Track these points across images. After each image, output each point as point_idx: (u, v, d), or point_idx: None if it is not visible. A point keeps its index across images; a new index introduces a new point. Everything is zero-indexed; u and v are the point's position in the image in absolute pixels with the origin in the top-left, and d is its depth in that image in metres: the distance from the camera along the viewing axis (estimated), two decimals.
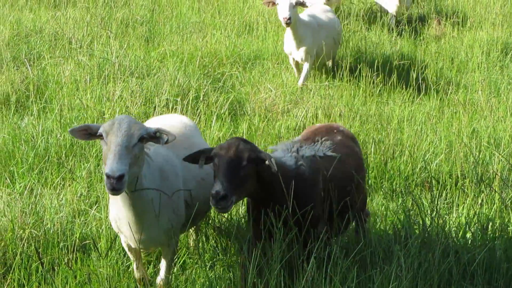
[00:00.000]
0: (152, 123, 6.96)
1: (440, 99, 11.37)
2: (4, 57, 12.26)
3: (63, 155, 8.69)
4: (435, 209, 7.28)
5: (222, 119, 9.99)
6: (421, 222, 6.91)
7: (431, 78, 12.41)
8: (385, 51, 13.59)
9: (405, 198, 7.97)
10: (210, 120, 9.70)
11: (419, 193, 8.36)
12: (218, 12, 15.90)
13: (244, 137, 9.13)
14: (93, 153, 8.59)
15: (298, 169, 6.18)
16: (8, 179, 8.27)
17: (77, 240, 6.98)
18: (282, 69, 12.38)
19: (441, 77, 12.56)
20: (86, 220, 7.44)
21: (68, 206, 7.56)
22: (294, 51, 12.05)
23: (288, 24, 11.40)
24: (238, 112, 10.68)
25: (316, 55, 12.10)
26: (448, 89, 11.81)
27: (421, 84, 11.75)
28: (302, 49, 11.90)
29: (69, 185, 8.09)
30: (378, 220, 7.47)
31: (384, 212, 7.66)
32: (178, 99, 10.14)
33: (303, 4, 11.60)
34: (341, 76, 11.70)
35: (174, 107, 9.95)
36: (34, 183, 8.14)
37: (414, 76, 12.10)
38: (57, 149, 8.80)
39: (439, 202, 7.91)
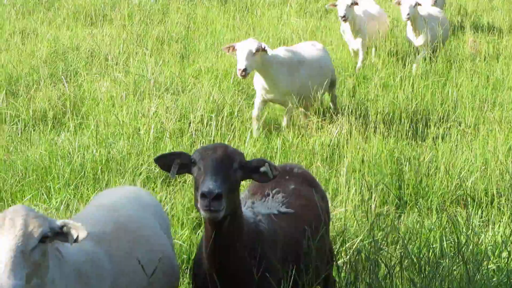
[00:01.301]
0: (101, 199, 5.69)
1: (476, 116, 11.30)
2: (41, 74, 12.42)
3: (99, 170, 8.74)
4: (470, 227, 7.23)
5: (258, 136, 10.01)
6: (456, 240, 6.86)
7: (466, 95, 12.34)
8: (420, 68, 13.54)
9: (440, 216, 7.93)
10: (244, 136, 9.71)
11: (454, 210, 8.30)
12: (253, 29, 15.99)
13: (278, 153, 9.17)
14: (128, 169, 8.64)
15: (257, 225, 5.20)
16: (44, 194, 8.34)
17: None
18: None
19: (477, 95, 12.48)
20: None
21: None
22: (265, 92, 10.75)
23: (243, 76, 10.06)
24: (273, 128, 10.71)
25: (299, 96, 10.74)
26: (484, 107, 11.74)
27: (456, 101, 11.70)
28: (277, 92, 10.63)
29: None
30: (413, 238, 7.42)
31: (419, 229, 7.61)
32: (213, 115, 10.18)
33: (264, 50, 10.23)
34: (376, 92, 11.67)
35: (209, 123, 9.99)
36: (70, 198, 8.19)
37: (450, 93, 12.06)
38: (93, 164, 8.85)
39: (474, 220, 7.86)
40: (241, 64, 9.97)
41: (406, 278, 6.14)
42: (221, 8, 18.39)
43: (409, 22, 14.67)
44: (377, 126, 10.33)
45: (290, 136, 9.92)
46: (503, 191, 8.61)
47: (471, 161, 9.36)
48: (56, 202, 8.13)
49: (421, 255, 6.64)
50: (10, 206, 7.92)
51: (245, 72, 9.97)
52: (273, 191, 5.70)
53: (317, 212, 5.84)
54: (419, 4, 14.44)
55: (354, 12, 14.26)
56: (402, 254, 6.52)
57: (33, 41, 14.97)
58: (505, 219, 7.94)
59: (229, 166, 4.74)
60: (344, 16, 13.94)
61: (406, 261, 6.42)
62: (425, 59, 14.10)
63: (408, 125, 10.56)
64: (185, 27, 16.33)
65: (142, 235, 5.20)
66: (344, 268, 6.38)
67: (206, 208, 4.55)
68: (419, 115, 11.29)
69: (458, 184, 8.76)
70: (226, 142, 9.51)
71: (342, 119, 10.16)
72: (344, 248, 6.90)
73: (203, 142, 9.56)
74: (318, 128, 10.31)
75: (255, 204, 5.47)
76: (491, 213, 8.21)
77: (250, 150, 9.28)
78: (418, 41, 14.78)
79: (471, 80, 13.28)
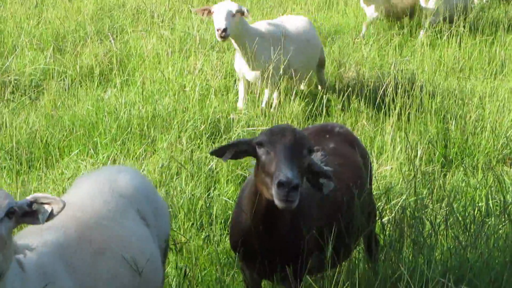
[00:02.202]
0: (71, 194, 4.90)
1: None
2: (88, 31, 12.49)
3: (145, 126, 8.82)
4: None
5: (302, 94, 9.98)
6: (502, 199, 6.83)
7: None
8: (468, 24, 13.35)
9: (486, 174, 7.88)
10: (290, 94, 9.70)
11: (500, 169, 8.24)
12: None
13: (324, 111, 9.14)
14: (174, 125, 8.70)
15: None
16: (92, 149, 8.44)
17: None
18: (362, 44, 12.29)
19: None
20: (167, 191, 7.53)
21: (150, 177, 7.67)
22: (246, 71, 9.77)
23: (223, 37, 9.14)
24: (318, 86, 10.69)
25: (284, 74, 9.82)
26: None
27: (504, 60, 11.56)
28: (258, 68, 9.64)
29: (151, 156, 8.22)
30: (458, 196, 7.39)
31: (465, 188, 7.59)
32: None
33: (243, 14, 9.31)
34: (422, 51, 11.56)
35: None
36: (116, 154, 8.28)
37: (497, 52, 11.91)
38: (139, 121, 8.92)
39: None
40: (221, 23, 9.14)
41: (451, 236, 6.14)
42: None
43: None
44: (424, 84, 10.25)
45: (335, 96, 9.89)
46: None
47: None
48: (103, 157, 8.23)
49: (467, 214, 6.63)
50: (57, 160, 8.11)
51: (225, 33, 9.12)
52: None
53: (357, 171, 5.80)
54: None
55: None
56: (447, 212, 6.52)
57: None
58: None
59: (300, 153, 4.64)
60: None
61: (451, 219, 6.42)
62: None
63: (454, 83, 10.47)
64: None
65: (111, 240, 4.56)
66: (389, 225, 6.39)
67: (284, 198, 4.41)
68: (466, 74, 11.19)
69: (504, 143, 8.70)
70: (271, 100, 9.51)
71: (389, 76, 10.07)
72: (389, 206, 6.91)
73: (248, 99, 9.59)
74: (364, 87, 10.22)
75: None
76: None
77: (295, 109, 9.27)
78: (430, 4, 13.59)
79: None
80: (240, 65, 9.85)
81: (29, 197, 3.89)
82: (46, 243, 4.14)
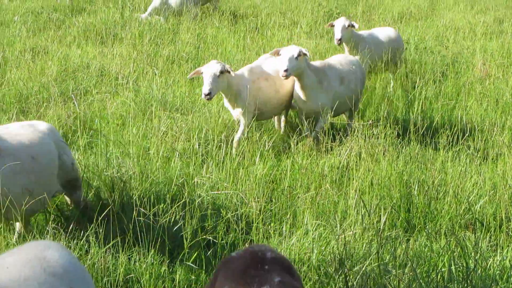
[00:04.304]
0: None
1: (485, 140, 11.29)
2: (51, 92, 12.46)
3: (109, 190, 8.75)
4: (478, 252, 7.22)
5: (266, 156, 10.01)
6: (464, 265, 6.85)
7: (476, 119, 12.35)
8: (429, 91, 13.53)
9: (448, 240, 7.92)
10: (254, 158, 9.72)
11: (463, 234, 8.28)
12: (263, 50, 15.99)
13: (288, 175, 9.14)
14: (137, 187, 8.64)
15: None
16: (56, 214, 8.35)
17: (121, 276, 7.02)
18: None
19: (486, 118, 12.49)
20: (130, 255, 7.45)
21: (113, 241, 7.59)
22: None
23: None
24: (282, 150, 10.72)
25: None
26: (493, 131, 11.73)
27: (466, 125, 11.70)
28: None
29: (113, 219, 8.14)
30: (421, 261, 7.41)
31: (428, 253, 7.60)
32: (222, 136, 10.19)
33: None
34: (384, 114, 11.65)
35: (218, 144, 10.01)
36: (80, 218, 8.20)
37: (459, 116, 12.06)
38: (101, 184, 8.87)
39: (482, 245, 7.85)
40: None
41: None
42: (231, 28, 18.45)
43: (344, 46, 13.75)
44: (386, 148, 10.33)
45: (300, 158, 9.93)
46: (511, 215, 8.61)
47: (479, 185, 9.36)
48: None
49: (430, 279, 6.64)
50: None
51: None
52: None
53: None
54: (353, 26, 13.38)
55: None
56: (410, 277, 6.52)
57: (43, 59, 15.03)
58: None
59: None
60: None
61: (414, 285, 6.43)
62: (434, 81, 14.10)
63: (417, 147, 10.56)
64: (196, 47, 16.37)
65: None
66: None
67: None
68: (428, 138, 11.29)
69: (466, 208, 8.75)
70: (235, 164, 9.48)
71: (352, 141, 10.16)
72: (352, 272, 6.89)
73: (212, 162, 9.57)
74: (327, 150, 10.32)
75: None
76: (500, 237, 8.20)
77: (259, 172, 9.27)
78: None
79: (480, 103, 13.28)
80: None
81: None
82: None
